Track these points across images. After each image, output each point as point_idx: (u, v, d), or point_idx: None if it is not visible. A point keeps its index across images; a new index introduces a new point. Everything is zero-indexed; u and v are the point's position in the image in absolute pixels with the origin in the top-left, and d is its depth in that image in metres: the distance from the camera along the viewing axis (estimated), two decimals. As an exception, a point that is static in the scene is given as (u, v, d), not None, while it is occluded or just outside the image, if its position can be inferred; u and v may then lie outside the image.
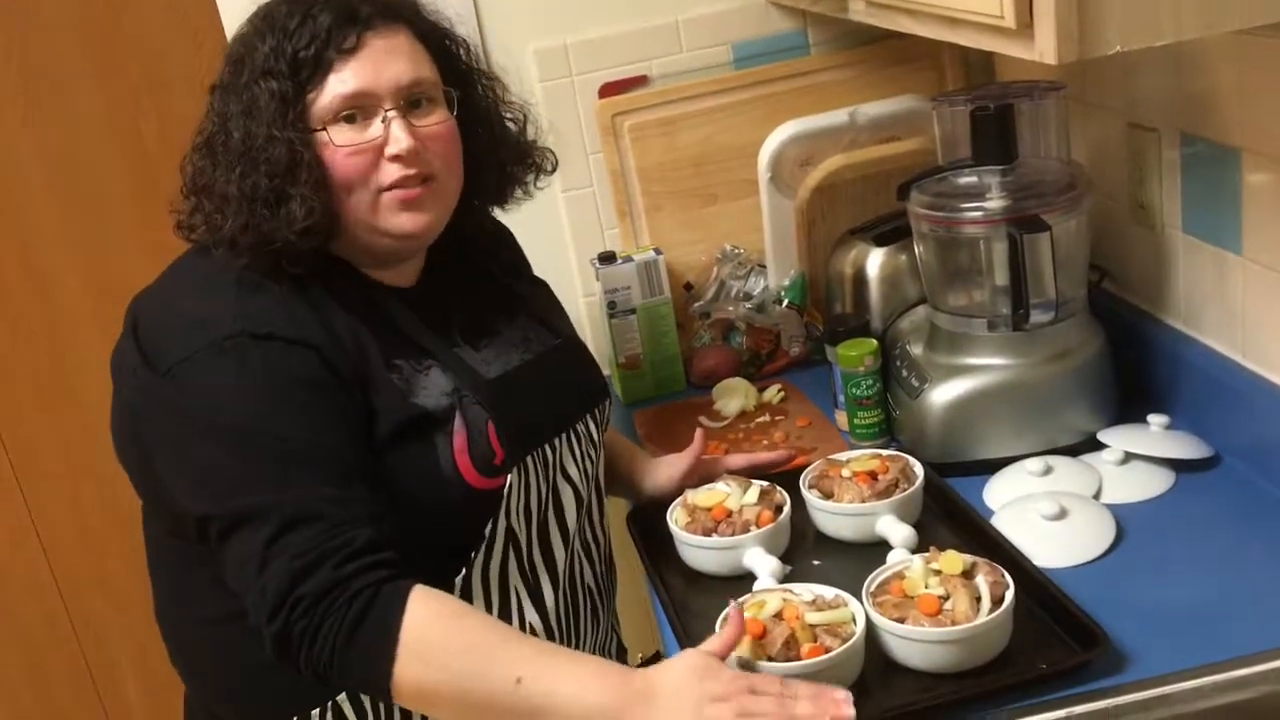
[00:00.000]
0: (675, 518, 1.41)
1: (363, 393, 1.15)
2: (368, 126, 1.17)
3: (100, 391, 2.28)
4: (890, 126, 1.87)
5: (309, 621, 1.03)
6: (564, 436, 1.30)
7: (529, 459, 1.24)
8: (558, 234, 1.98)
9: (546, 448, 1.27)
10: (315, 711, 1.19)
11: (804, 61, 1.94)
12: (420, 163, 1.18)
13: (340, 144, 1.16)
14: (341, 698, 1.19)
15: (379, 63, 1.17)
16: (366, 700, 1.19)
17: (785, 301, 1.88)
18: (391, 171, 1.18)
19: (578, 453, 1.32)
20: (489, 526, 1.21)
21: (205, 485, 1.10)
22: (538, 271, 1.49)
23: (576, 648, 1.33)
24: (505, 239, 1.45)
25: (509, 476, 1.21)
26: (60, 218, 2.09)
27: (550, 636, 1.29)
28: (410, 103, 1.19)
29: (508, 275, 1.40)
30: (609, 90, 1.93)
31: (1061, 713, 1.07)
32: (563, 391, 1.33)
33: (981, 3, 1.04)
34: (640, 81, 1.94)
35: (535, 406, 1.27)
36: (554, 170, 1.38)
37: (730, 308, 1.91)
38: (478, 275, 1.36)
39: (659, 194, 1.94)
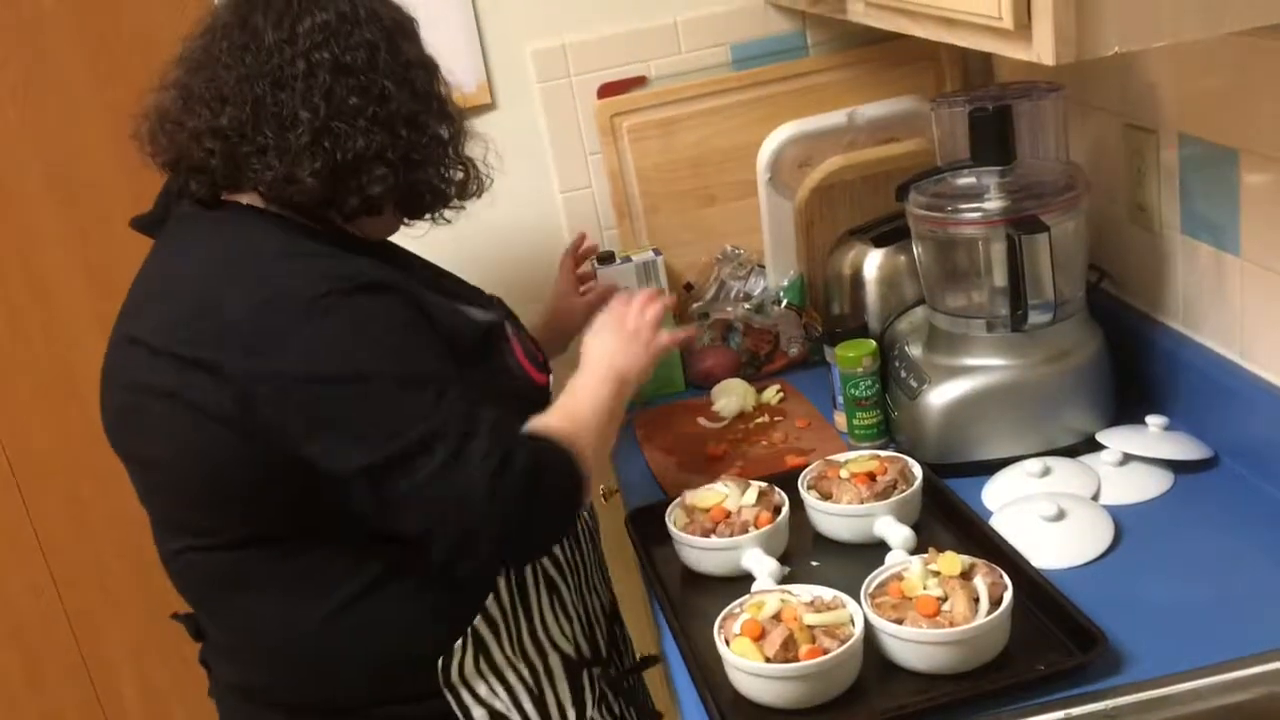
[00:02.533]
0: (674, 519, 1.41)
1: (432, 322, 1.22)
2: None
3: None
4: (889, 127, 1.87)
5: (523, 504, 1.14)
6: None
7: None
8: (557, 235, 1.98)
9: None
10: (457, 644, 1.25)
11: (802, 63, 1.94)
12: None
13: None
14: (479, 623, 1.26)
15: None
16: (498, 614, 1.28)
17: (784, 302, 1.88)
18: None
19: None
20: None
21: (363, 436, 1.12)
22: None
23: (601, 538, 1.53)
24: None
25: (550, 376, 1.40)
26: (59, 217, 2.09)
27: (592, 528, 1.49)
28: None
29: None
30: (608, 91, 1.93)
31: (1060, 714, 1.07)
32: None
33: (979, 4, 1.04)
34: (639, 82, 1.94)
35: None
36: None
37: (729, 308, 1.91)
38: (397, 252, 1.43)
39: (658, 195, 1.94)
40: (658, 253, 1.87)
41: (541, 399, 1.34)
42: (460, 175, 1.32)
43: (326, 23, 1.20)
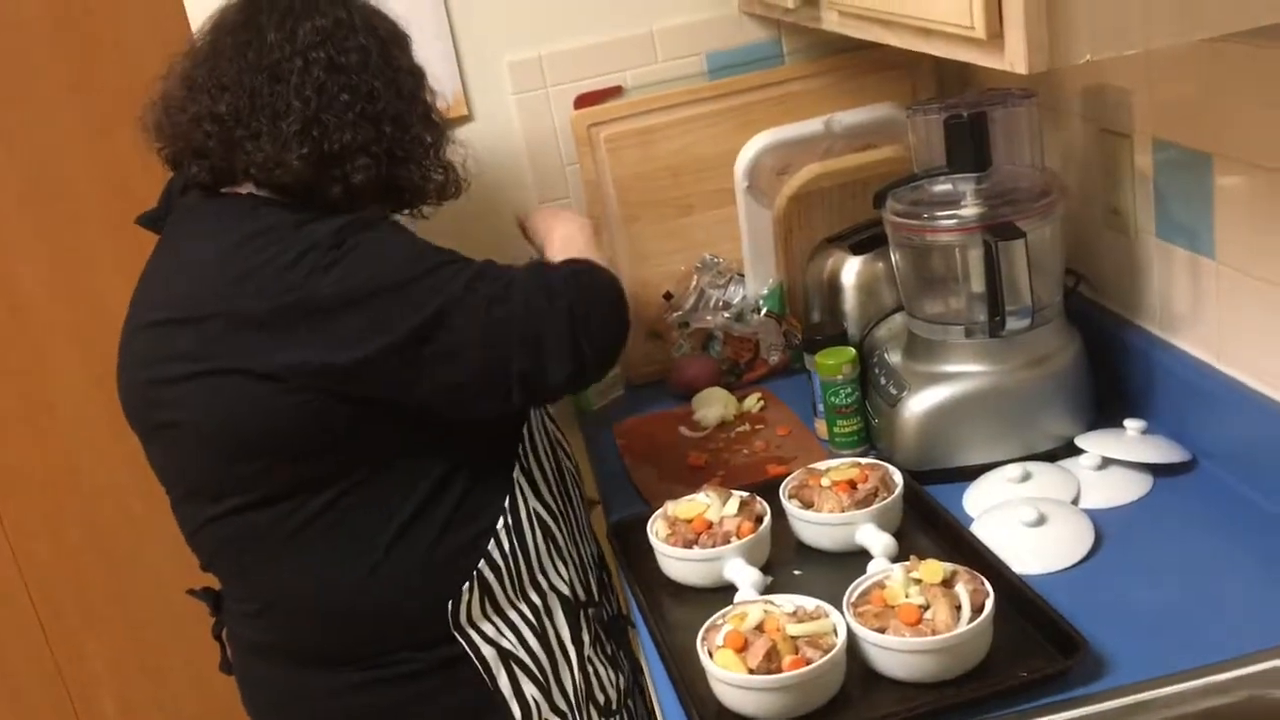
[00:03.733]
0: (655, 530, 1.40)
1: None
2: None
3: (77, 407, 2.26)
4: (865, 134, 1.87)
5: (590, 308, 1.29)
6: None
7: None
8: (535, 245, 1.98)
9: None
10: (465, 587, 1.34)
11: (778, 71, 1.94)
12: None
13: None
14: (484, 568, 1.35)
15: None
16: (500, 559, 1.36)
17: (764, 310, 1.88)
18: None
19: None
20: None
21: (423, 304, 1.24)
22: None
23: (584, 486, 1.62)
24: None
25: None
26: (35, 234, 2.08)
27: (578, 476, 1.58)
28: None
29: None
30: (584, 101, 1.93)
31: (1043, 720, 1.07)
32: None
33: (952, 13, 1.04)
34: (615, 92, 1.94)
35: None
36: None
37: (709, 317, 1.91)
38: None
39: (636, 204, 1.94)
40: None
41: None
42: (440, 177, 1.42)
43: (324, 27, 1.32)
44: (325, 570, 1.32)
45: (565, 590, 1.44)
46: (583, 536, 1.53)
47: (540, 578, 1.41)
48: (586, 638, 1.46)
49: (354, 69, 1.32)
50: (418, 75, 1.41)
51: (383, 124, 1.33)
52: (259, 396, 1.25)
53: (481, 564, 1.35)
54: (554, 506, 1.46)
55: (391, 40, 1.39)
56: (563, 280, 1.31)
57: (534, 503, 1.41)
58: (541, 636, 1.41)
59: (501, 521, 1.37)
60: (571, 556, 1.47)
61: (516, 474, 1.40)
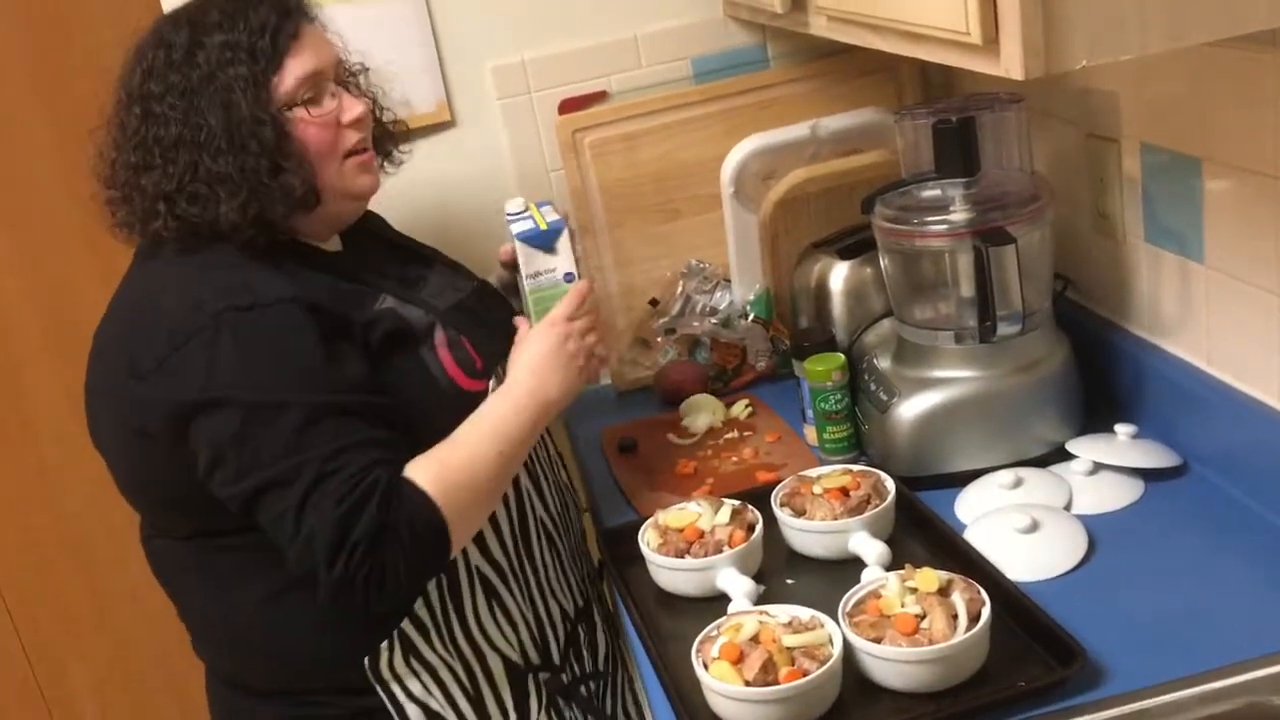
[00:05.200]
0: (647, 540, 1.39)
1: (347, 329, 1.25)
2: (321, 102, 1.31)
3: (53, 421, 2.23)
4: (852, 139, 1.87)
5: (370, 566, 1.14)
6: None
7: (498, 369, 1.38)
8: (520, 252, 1.96)
9: (505, 363, 1.39)
10: (384, 645, 1.27)
11: (764, 75, 1.93)
12: (365, 129, 1.36)
13: (314, 117, 1.29)
14: (406, 624, 1.28)
15: (319, 46, 1.32)
16: (426, 617, 1.29)
17: (751, 316, 1.87)
18: (351, 138, 1.33)
19: None
20: None
21: (231, 463, 1.17)
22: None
23: (570, 534, 1.53)
24: (377, 217, 1.56)
25: (490, 381, 1.35)
26: (10, 245, 2.04)
27: (555, 526, 1.47)
28: (339, 82, 1.35)
29: (403, 238, 1.55)
30: (568, 106, 1.91)
31: (1041, 730, 1.07)
32: (500, 321, 1.46)
33: (946, 18, 1.03)
34: (600, 97, 1.92)
35: (488, 327, 1.42)
36: (407, 139, 1.53)
37: (696, 323, 1.89)
38: (375, 237, 1.49)
39: (621, 210, 1.92)
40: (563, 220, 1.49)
41: (467, 405, 1.31)
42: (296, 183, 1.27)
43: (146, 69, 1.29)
44: (234, 597, 1.30)
45: (511, 654, 1.37)
46: (547, 594, 1.43)
47: (478, 636, 1.34)
48: (535, 705, 1.39)
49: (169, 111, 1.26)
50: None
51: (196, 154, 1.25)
52: (137, 447, 1.25)
53: (405, 621, 1.28)
54: (506, 564, 1.37)
55: (180, 64, 1.26)
56: (368, 527, 1.14)
57: (477, 559, 1.33)
58: (476, 701, 1.34)
59: (434, 580, 1.29)
60: (524, 618, 1.39)
61: None
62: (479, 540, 1.33)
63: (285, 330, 1.20)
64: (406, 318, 1.32)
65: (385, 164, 1.48)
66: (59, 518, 2.15)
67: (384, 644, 1.27)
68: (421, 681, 1.30)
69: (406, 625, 1.28)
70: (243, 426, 1.16)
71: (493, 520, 1.35)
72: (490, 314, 1.46)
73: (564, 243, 1.43)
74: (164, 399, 1.19)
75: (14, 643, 2.24)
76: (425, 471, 1.20)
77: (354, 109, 1.33)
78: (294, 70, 1.28)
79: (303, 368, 1.19)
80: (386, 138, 1.48)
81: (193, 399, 1.17)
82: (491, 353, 1.38)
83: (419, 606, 1.29)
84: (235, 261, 1.26)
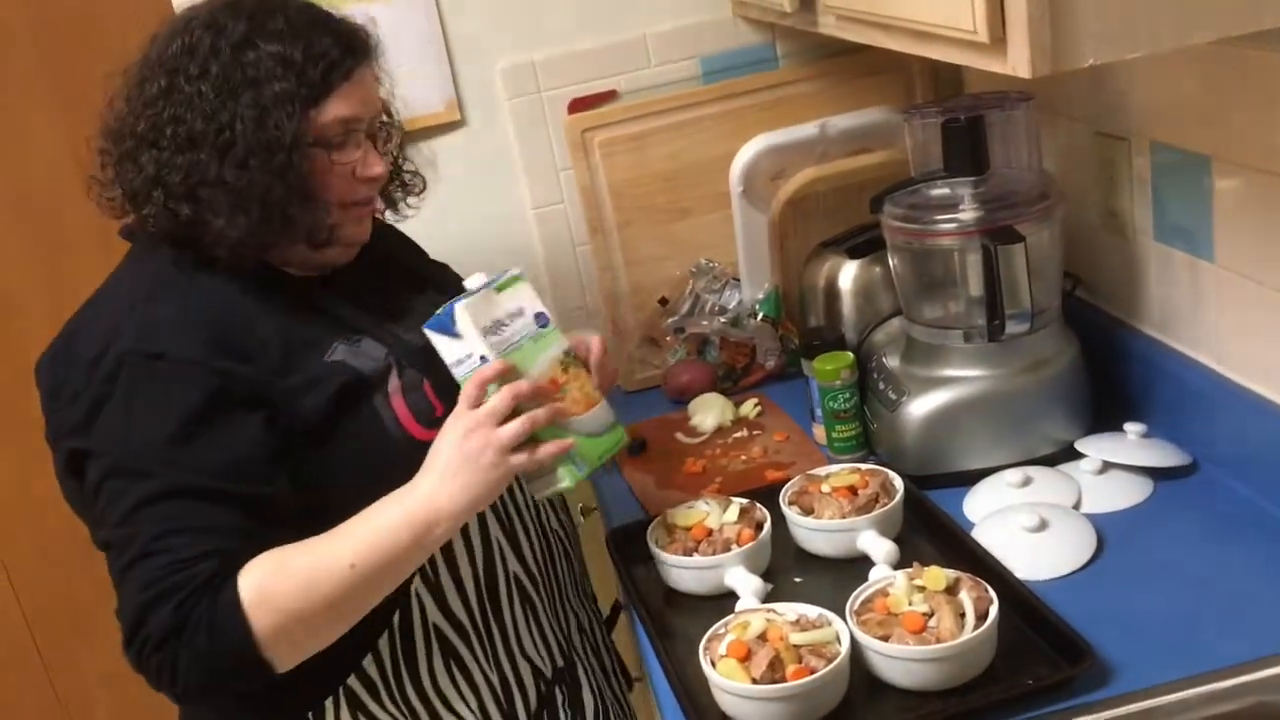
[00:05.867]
0: (655, 538, 1.39)
1: (261, 400, 1.17)
2: (346, 149, 1.23)
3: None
4: (861, 138, 1.87)
5: (160, 660, 1.09)
6: None
7: None
8: (529, 251, 1.96)
9: None
10: (328, 701, 1.23)
11: (773, 74, 1.94)
12: (377, 187, 1.30)
13: (335, 162, 1.22)
14: (353, 680, 1.23)
15: (366, 94, 1.25)
16: (376, 674, 1.24)
17: (760, 315, 1.87)
18: (360, 191, 1.26)
19: None
20: None
21: (92, 508, 1.16)
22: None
23: (555, 587, 1.40)
24: (390, 230, 1.49)
25: None
26: (20, 240, 2.06)
27: (533, 579, 1.35)
28: (370, 134, 1.27)
29: (409, 258, 1.48)
30: (578, 106, 1.92)
31: (1049, 728, 1.07)
32: None
33: (954, 17, 1.03)
34: (609, 97, 1.93)
35: None
36: (421, 193, 1.45)
37: (705, 322, 1.90)
38: (376, 261, 1.38)
39: (630, 209, 1.93)
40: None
41: (422, 455, 1.18)
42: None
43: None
44: None
45: (471, 718, 1.28)
46: (518, 656, 1.32)
47: (433, 697, 1.26)
48: None
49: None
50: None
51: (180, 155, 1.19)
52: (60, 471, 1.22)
53: (352, 678, 1.22)
54: (469, 622, 1.27)
55: (229, 56, 1.19)
56: (161, 624, 1.08)
57: (435, 616, 1.24)
58: None
59: (385, 636, 1.22)
60: (487, 680, 1.29)
61: (416, 584, 1.23)
62: (438, 595, 1.25)
63: (175, 394, 1.13)
64: (357, 368, 1.22)
65: (389, 212, 1.42)
66: (71, 514, 2.16)
67: (329, 700, 1.22)
68: None
69: (353, 681, 1.22)
70: (102, 481, 1.14)
71: (454, 574, 1.26)
72: None
73: (466, 325, 1.20)
74: (58, 434, 1.19)
75: (25, 637, 2.25)
76: (253, 575, 1.09)
77: (374, 167, 1.24)
78: (335, 110, 1.20)
79: (173, 440, 1.12)
80: (400, 189, 1.42)
81: (73, 445, 1.17)
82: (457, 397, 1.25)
83: (368, 663, 1.22)
84: (193, 280, 1.20)
